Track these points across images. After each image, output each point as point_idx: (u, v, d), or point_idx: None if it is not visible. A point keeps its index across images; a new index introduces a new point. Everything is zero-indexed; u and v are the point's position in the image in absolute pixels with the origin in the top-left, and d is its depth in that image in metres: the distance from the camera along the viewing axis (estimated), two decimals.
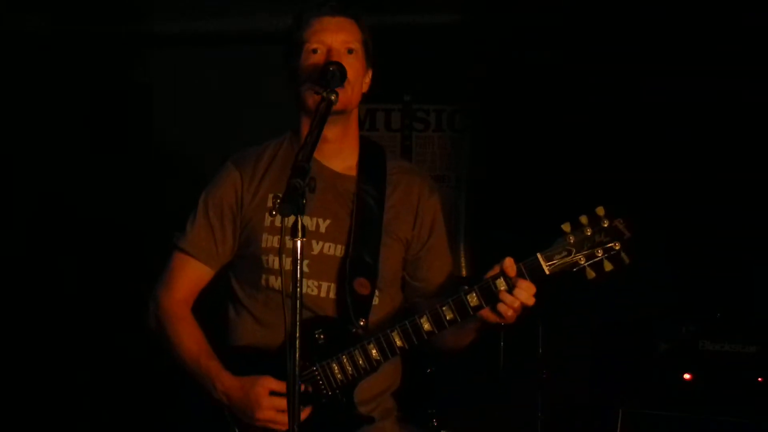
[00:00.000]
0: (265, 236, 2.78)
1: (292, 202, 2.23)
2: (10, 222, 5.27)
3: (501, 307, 2.58)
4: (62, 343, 5.10)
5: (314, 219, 2.76)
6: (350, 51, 2.74)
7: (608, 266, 2.58)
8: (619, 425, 4.10)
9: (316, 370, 2.68)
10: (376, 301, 2.78)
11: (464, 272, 5.27)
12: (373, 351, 2.66)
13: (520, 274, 2.58)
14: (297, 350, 2.24)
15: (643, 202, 4.60)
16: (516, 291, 2.56)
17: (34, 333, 5.12)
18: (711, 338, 4.18)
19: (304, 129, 2.79)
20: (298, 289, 2.25)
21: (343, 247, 2.76)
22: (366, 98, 2.88)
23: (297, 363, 2.25)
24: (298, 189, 2.24)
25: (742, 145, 4.69)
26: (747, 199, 4.66)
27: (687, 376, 4.17)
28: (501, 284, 2.58)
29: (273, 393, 2.64)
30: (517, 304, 2.57)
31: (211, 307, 2.91)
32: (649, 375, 4.25)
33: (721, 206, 4.67)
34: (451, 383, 4.48)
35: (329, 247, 2.77)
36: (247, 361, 2.72)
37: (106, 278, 5.15)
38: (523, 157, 5.04)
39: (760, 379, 4.07)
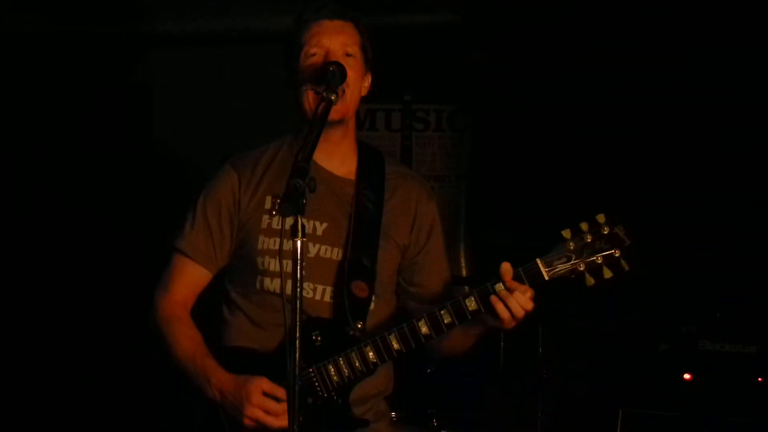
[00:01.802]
0: (261, 238, 2.78)
1: (293, 202, 2.24)
2: (10, 222, 5.27)
3: (500, 312, 2.58)
4: (60, 343, 5.10)
5: (311, 222, 2.75)
6: (348, 54, 2.74)
7: (607, 273, 2.58)
8: (619, 425, 4.10)
9: (312, 371, 2.68)
10: (372, 305, 2.78)
11: (464, 272, 5.27)
12: (370, 353, 2.66)
13: (519, 279, 2.59)
14: (297, 351, 2.25)
15: (643, 201, 4.60)
16: (514, 295, 2.56)
17: (33, 333, 5.12)
18: (711, 338, 4.18)
19: (305, 131, 2.79)
20: (299, 290, 2.25)
21: (341, 250, 2.76)
22: (366, 98, 2.88)
23: (297, 364, 2.25)
24: (298, 189, 2.24)
25: (741, 144, 4.69)
26: (747, 198, 4.66)
27: (687, 376, 4.17)
28: (499, 289, 2.58)
29: (265, 394, 2.64)
30: (515, 309, 2.57)
31: (207, 308, 2.91)
32: (649, 375, 4.25)
33: (721, 206, 4.67)
34: (451, 383, 4.48)
35: (326, 250, 2.77)
36: (243, 362, 2.72)
37: (106, 278, 5.15)
38: (523, 157, 5.04)
39: (760, 379, 4.07)
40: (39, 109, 5.30)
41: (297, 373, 2.25)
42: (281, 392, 2.61)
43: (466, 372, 4.53)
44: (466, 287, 2.67)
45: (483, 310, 2.60)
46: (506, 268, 2.59)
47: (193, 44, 5.37)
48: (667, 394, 4.13)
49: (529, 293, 2.58)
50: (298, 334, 2.24)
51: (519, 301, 2.56)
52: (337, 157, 2.83)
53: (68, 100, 5.34)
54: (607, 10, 4.82)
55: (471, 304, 2.61)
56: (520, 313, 2.58)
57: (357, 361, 2.67)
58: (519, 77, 5.05)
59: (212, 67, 5.35)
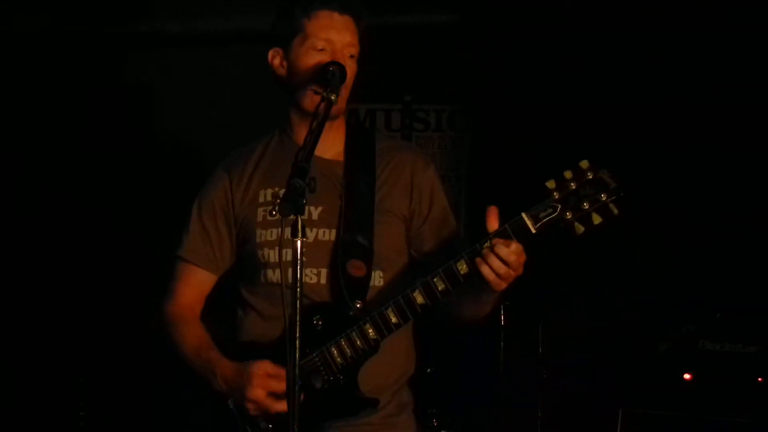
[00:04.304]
0: (258, 231, 2.78)
1: (293, 202, 2.25)
2: (10, 222, 5.27)
3: (494, 266, 2.50)
4: (65, 343, 5.10)
5: (307, 207, 2.73)
6: (351, 56, 2.74)
7: (597, 219, 2.50)
8: (619, 425, 4.11)
9: (316, 356, 2.67)
10: (380, 282, 2.76)
11: None
12: (370, 330, 2.63)
13: (506, 236, 2.52)
14: (297, 351, 2.25)
15: (644, 201, 4.60)
16: (496, 249, 2.49)
17: (36, 333, 5.12)
18: (711, 338, 4.19)
19: (296, 125, 2.80)
20: (298, 290, 2.25)
21: (336, 232, 2.76)
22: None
23: (297, 363, 2.25)
24: (298, 189, 2.25)
25: (742, 143, 4.69)
26: (746, 198, 4.66)
27: (687, 376, 4.17)
28: (486, 247, 2.52)
29: (270, 376, 2.63)
30: (507, 264, 2.50)
31: (222, 314, 2.91)
32: (649, 375, 4.25)
33: (721, 206, 4.67)
34: (451, 383, 4.48)
35: (323, 232, 2.76)
36: (249, 352, 2.71)
37: (107, 278, 5.15)
38: (523, 157, 5.03)
39: (760, 379, 4.07)
40: (39, 109, 5.30)
41: (297, 373, 2.25)
42: (284, 373, 2.55)
43: (466, 372, 4.54)
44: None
45: (475, 272, 2.54)
46: (492, 221, 2.54)
47: (193, 44, 5.37)
48: (667, 394, 4.13)
49: (513, 246, 2.50)
50: (297, 335, 2.24)
51: (500, 253, 2.48)
52: (325, 142, 2.77)
53: (68, 99, 5.34)
54: (607, 9, 4.82)
55: (462, 267, 2.56)
56: (502, 269, 2.49)
57: (358, 340, 2.64)
58: (519, 77, 5.05)
59: (212, 67, 5.35)
